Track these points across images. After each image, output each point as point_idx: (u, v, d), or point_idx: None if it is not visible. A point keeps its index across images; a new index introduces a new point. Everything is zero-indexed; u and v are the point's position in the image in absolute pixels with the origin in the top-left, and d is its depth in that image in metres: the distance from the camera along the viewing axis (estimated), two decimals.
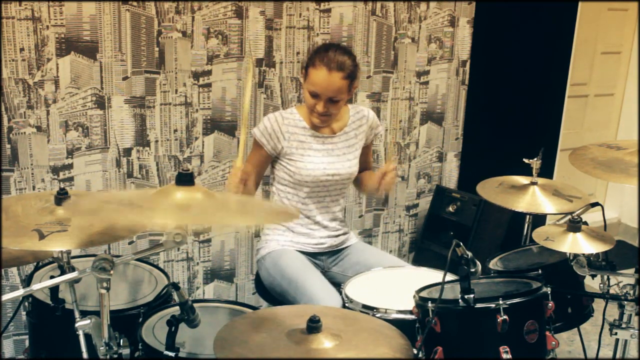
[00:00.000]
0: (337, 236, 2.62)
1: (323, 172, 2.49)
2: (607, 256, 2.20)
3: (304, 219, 2.55)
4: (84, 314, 1.78)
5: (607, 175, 2.12)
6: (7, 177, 2.79)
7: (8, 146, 2.76)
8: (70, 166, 2.90)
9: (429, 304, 1.92)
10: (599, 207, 2.47)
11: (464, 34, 3.80)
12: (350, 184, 2.66)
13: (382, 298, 2.22)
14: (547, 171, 3.46)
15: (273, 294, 2.51)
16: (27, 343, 2.66)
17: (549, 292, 2.01)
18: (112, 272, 1.64)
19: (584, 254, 2.11)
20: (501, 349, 1.88)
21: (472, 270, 1.91)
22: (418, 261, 3.83)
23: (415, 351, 1.90)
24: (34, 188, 2.84)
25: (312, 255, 2.59)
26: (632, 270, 2.12)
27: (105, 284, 1.65)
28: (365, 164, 2.69)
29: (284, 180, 2.53)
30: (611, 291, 2.20)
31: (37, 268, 2.30)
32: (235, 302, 2.34)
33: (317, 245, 2.58)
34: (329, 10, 3.34)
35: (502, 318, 1.88)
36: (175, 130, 3.10)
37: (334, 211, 2.60)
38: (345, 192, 2.64)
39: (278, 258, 2.50)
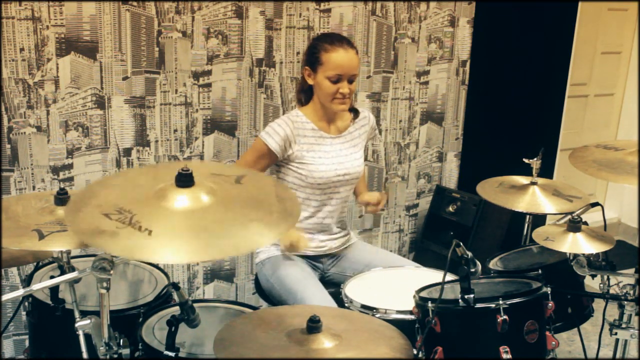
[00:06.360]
0: (337, 239, 2.61)
1: (335, 172, 2.47)
2: (607, 256, 2.20)
3: (308, 222, 2.53)
4: (84, 314, 1.77)
5: (613, 176, 2.11)
6: (7, 177, 2.79)
7: (8, 146, 2.76)
8: (70, 166, 2.90)
9: (429, 304, 1.92)
10: (599, 207, 2.46)
11: (464, 34, 3.80)
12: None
13: (382, 298, 2.22)
14: (547, 171, 3.46)
15: (272, 299, 2.50)
16: (27, 343, 2.66)
17: (549, 292, 2.01)
18: (112, 272, 1.64)
19: (584, 254, 2.11)
20: (501, 349, 1.88)
21: (472, 270, 1.90)
22: (418, 261, 3.80)
23: (415, 351, 1.90)
24: (34, 188, 2.84)
25: (312, 259, 2.57)
26: (632, 270, 2.12)
27: (105, 284, 1.65)
28: None
29: (295, 185, 2.48)
30: (611, 291, 2.20)
31: (37, 268, 2.30)
32: (235, 302, 2.34)
33: (317, 249, 2.56)
34: (329, 10, 3.34)
35: (502, 318, 1.88)
36: (175, 130, 3.10)
37: (341, 213, 2.59)
38: (351, 193, 2.63)
39: (277, 265, 2.47)
